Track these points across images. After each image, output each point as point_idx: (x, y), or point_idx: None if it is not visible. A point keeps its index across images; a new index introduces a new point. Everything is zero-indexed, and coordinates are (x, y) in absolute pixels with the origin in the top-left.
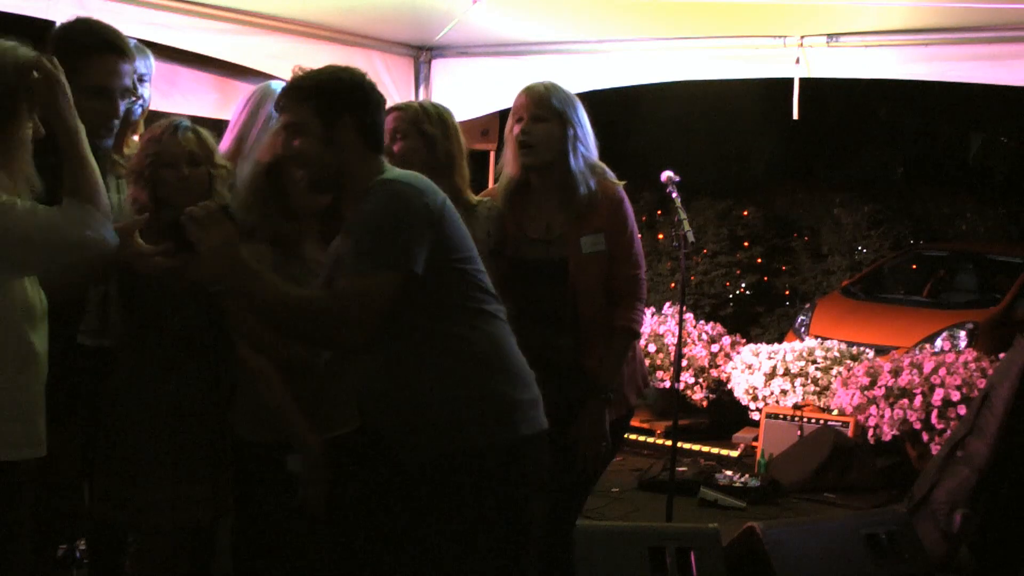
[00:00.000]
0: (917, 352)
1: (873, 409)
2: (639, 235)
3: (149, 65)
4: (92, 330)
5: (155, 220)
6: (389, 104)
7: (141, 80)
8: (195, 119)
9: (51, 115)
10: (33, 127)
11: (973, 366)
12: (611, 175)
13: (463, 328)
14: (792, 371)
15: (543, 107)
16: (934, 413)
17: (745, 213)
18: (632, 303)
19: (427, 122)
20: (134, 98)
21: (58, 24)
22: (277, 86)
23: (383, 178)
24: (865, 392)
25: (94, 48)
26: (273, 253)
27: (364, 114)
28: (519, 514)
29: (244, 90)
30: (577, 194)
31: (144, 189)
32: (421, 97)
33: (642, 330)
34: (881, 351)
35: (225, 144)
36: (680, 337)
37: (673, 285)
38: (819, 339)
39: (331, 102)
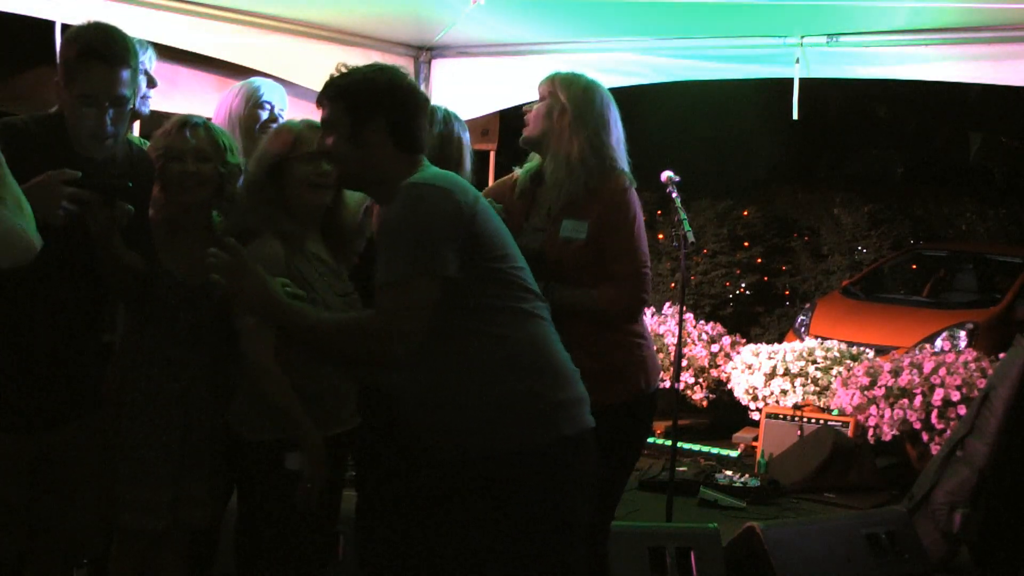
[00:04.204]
0: (917, 352)
1: (873, 409)
2: (644, 233)
3: (149, 58)
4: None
5: (164, 212)
6: None
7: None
8: None
9: None
10: None
11: (973, 366)
12: (622, 169)
13: (500, 328)
14: (792, 371)
15: (546, 87)
16: (934, 413)
17: (745, 213)
18: (633, 292)
19: None
20: (131, 107)
21: (60, 25)
22: (260, 83)
23: (409, 181)
24: (865, 392)
25: (83, 56)
26: (281, 247)
27: (396, 116)
28: (563, 515)
29: None
30: (571, 179)
31: (156, 182)
32: None
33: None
34: (881, 351)
35: None
36: (680, 337)
37: (673, 285)
38: (819, 339)
39: (361, 103)
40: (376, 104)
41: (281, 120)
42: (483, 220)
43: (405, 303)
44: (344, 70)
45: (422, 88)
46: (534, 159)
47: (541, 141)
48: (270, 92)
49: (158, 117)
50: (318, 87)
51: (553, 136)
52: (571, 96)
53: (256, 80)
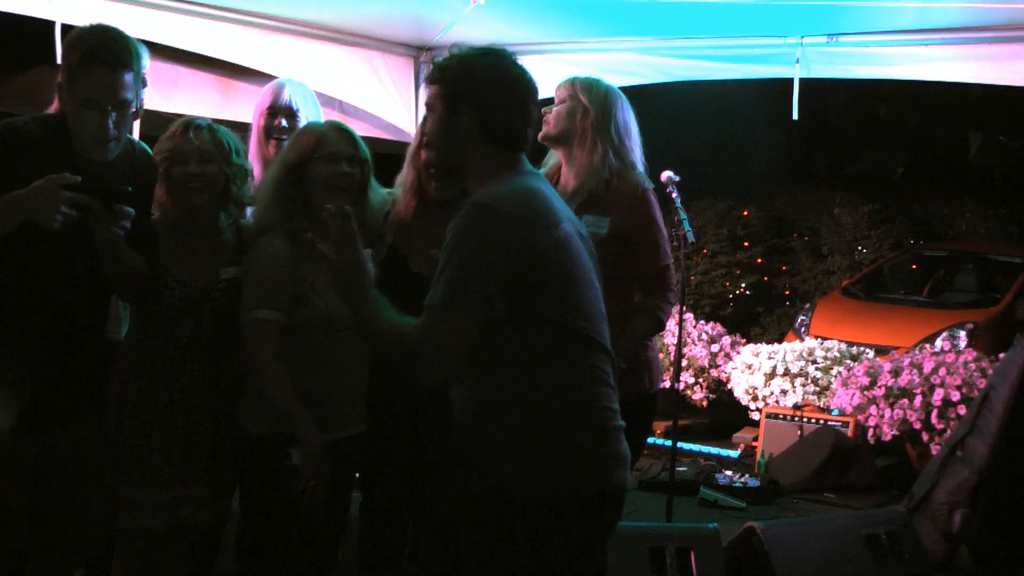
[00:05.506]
0: (917, 352)
1: (873, 409)
2: (664, 230)
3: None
4: None
5: (170, 215)
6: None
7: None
8: None
9: None
10: None
11: (973, 366)
12: (639, 171)
13: (547, 372)
14: (792, 371)
15: (566, 90)
16: (934, 413)
17: (745, 213)
18: (662, 293)
19: None
20: (134, 110)
21: (60, 25)
22: (287, 81)
23: (475, 200)
24: (865, 392)
25: (85, 60)
26: (288, 247)
27: (487, 106)
28: (556, 571)
29: (244, 90)
30: (589, 177)
31: (161, 185)
32: (421, 97)
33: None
34: (881, 351)
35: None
36: (680, 337)
37: None
38: (819, 339)
39: (454, 88)
40: (466, 91)
41: (299, 121)
42: (554, 255)
43: (441, 331)
44: (456, 51)
45: (422, 88)
46: (548, 164)
47: (560, 139)
48: (293, 94)
49: (158, 117)
50: (318, 87)
51: (575, 136)
52: (593, 99)
53: (282, 81)
